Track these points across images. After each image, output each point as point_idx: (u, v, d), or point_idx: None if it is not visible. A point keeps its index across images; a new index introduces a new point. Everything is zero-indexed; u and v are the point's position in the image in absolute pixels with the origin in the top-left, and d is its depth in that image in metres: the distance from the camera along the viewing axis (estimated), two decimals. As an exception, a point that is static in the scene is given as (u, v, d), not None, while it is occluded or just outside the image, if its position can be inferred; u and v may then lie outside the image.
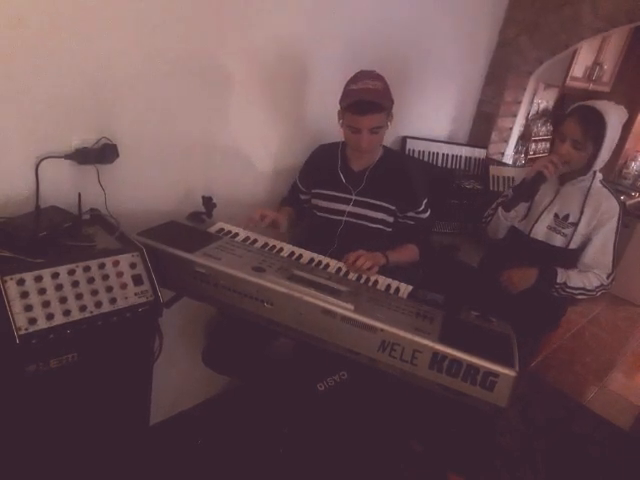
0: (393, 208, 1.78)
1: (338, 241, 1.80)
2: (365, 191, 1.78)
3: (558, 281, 1.74)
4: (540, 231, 1.82)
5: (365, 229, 1.79)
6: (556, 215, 1.80)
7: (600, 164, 1.72)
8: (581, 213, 1.75)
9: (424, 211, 1.81)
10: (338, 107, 1.70)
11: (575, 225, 1.76)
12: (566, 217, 1.78)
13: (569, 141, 1.69)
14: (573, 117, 1.68)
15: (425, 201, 1.81)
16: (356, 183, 1.79)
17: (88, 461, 1.35)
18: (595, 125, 1.65)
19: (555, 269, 1.75)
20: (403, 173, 1.80)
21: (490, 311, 1.49)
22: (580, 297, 1.78)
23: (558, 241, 1.80)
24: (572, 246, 1.79)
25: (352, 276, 1.54)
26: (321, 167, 1.86)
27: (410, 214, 1.80)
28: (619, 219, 1.74)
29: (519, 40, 2.65)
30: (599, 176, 1.79)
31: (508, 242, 1.92)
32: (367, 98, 1.59)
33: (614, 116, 1.67)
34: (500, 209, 1.86)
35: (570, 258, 1.80)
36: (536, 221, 1.83)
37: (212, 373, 1.81)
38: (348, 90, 1.66)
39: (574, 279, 1.74)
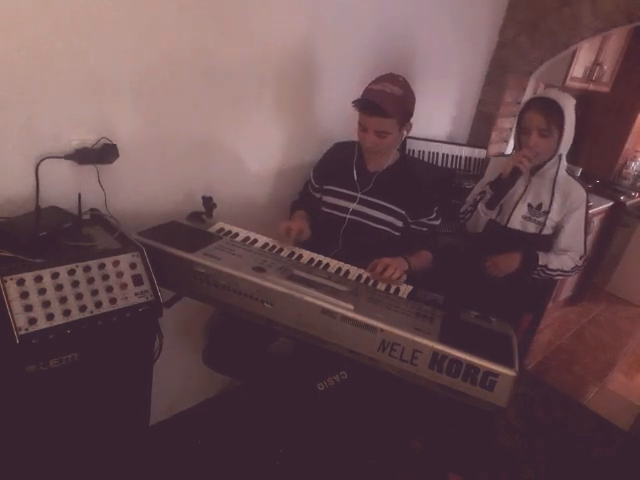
0: (403, 213, 1.77)
1: (342, 240, 1.79)
2: (373, 191, 1.77)
3: (540, 263, 1.87)
4: (516, 221, 1.93)
5: (370, 230, 1.78)
6: (530, 205, 1.91)
7: (565, 148, 1.83)
8: (551, 200, 1.87)
9: (436, 218, 1.82)
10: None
11: (547, 213, 1.88)
12: (539, 206, 1.90)
13: (535, 132, 1.79)
14: (531, 109, 1.80)
15: (436, 208, 1.81)
16: (366, 182, 1.79)
17: (88, 461, 1.35)
18: (554, 111, 1.76)
19: (537, 253, 1.88)
20: (417, 179, 1.80)
21: (472, 295, 1.56)
22: (558, 278, 1.99)
23: (532, 228, 1.91)
24: (545, 232, 1.91)
25: (352, 276, 1.54)
26: (336, 163, 1.86)
27: (422, 220, 1.79)
28: (587, 205, 1.89)
29: (519, 40, 2.65)
30: (565, 164, 1.89)
31: (486, 233, 1.99)
32: (375, 101, 1.59)
33: (566, 101, 1.79)
34: (481, 206, 1.92)
35: (544, 243, 1.93)
36: (512, 212, 1.93)
37: (212, 373, 1.81)
38: (366, 88, 1.68)
39: (553, 261, 1.89)
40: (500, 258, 1.88)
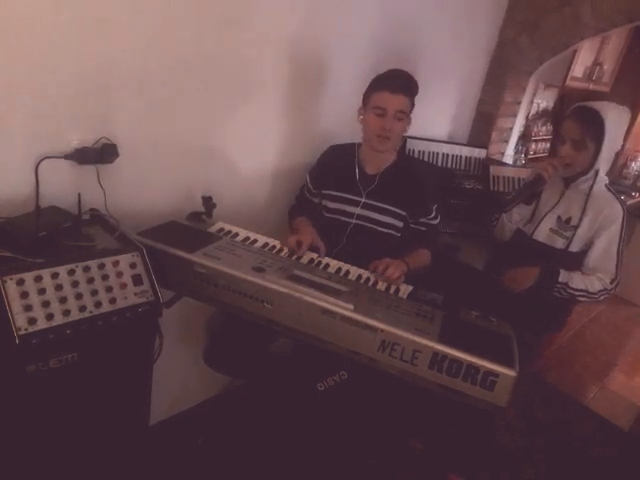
0: (404, 214, 1.77)
1: (346, 244, 1.79)
2: (375, 194, 1.77)
3: (560, 280, 1.74)
4: (542, 233, 1.83)
5: (375, 233, 1.77)
6: (559, 218, 1.81)
7: (604, 164, 1.72)
8: (582, 215, 1.75)
9: (435, 217, 1.81)
10: (356, 105, 1.75)
11: (576, 228, 1.76)
12: (568, 220, 1.79)
13: (569, 142, 1.70)
14: (571, 118, 1.70)
15: (435, 207, 1.81)
16: (367, 185, 1.78)
17: (88, 461, 1.35)
18: (592, 123, 1.65)
19: (558, 269, 1.76)
20: (416, 179, 1.80)
21: (496, 312, 1.49)
22: (582, 299, 1.79)
23: (559, 243, 1.81)
24: (573, 248, 1.79)
25: (352, 276, 1.54)
26: (334, 167, 1.85)
27: (422, 220, 1.79)
28: (623, 223, 1.73)
29: (519, 40, 2.65)
30: (604, 179, 1.77)
31: (512, 244, 1.93)
32: (403, 76, 1.67)
33: (612, 113, 1.66)
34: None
35: (571, 261, 1.80)
36: (539, 223, 1.84)
37: (212, 373, 1.81)
38: (380, 75, 1.70)
39: (576, 280, 1.75)
40: (517, 272, 1.79)
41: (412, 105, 1.70)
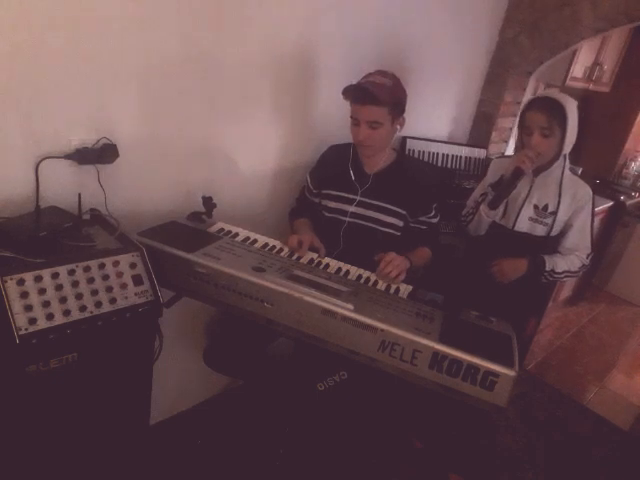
0: (404, 213, 1.77)
1: (343, 242, 1.79)
2: (371, 192, 1.77)
3: (547, 269, 1.84)
4: (523, 223, 1.89)
5: (372, 232, 1.77)
6: (535, 206, 1.88)
7: (569, 147, 1.80)
8: (558, 202, 1.84)
9: (435, 216, 1.82)
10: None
11: (554, 214, 1.85)
12: (545, 207, 1.86)
13: (537, 131, 1.76)
14: (532, 109, 1.77)
15: (435, 206, 1.81)
16: (364, 184, 1.78)
17: (88, 461, 1.35)
18: (556, 110, 1.73)
19: (543, 258, 1.85)
20: (415, 178, 1.79)
21: (476, 300, 1.54)
22: (565, 279, 1.93)
23: (540, 231, 1.88)
24: (553, 234, 1.88)
25: (352, 276, 1.54)
26: (332, 167, 1.85)
27: (422, 219, 1.79)
28: (593, 202, 1.86)
29: (519, 40, 2.65)
30: (567, 164, 1.86)
31: (490, 236, 1.96)
32: (368, 88, 1.59)
33: (567, 100, 1.76)
34: (483, 208, 1.88)
35: (551, 244, 1.90)
36: (518, 215, 1.89)
37: (212, 373, 1.81)
38: (351, 84, 1.66)
39: (560, 264, 1.85)
40: (506, 263, 1.86)
41: (394, 110, 1.64)
